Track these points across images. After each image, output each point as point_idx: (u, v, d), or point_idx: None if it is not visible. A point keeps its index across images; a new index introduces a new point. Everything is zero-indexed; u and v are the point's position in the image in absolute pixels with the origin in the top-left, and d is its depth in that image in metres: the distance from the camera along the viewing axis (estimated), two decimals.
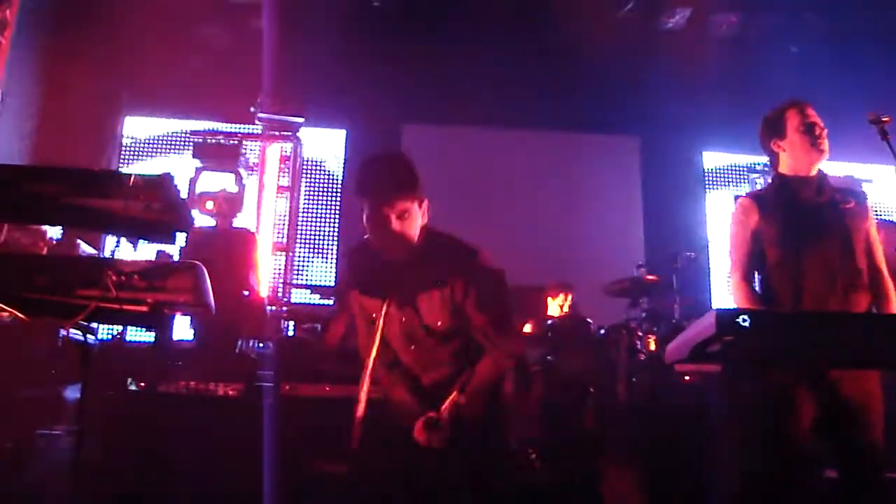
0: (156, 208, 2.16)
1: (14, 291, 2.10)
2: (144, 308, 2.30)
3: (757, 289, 3.32)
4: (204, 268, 2.35)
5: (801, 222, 3.24)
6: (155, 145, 8.85)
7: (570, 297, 6.98)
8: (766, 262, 3.29)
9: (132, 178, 2.10)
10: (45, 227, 4.45)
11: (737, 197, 3.58)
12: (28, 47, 6.81)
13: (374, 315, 3.01)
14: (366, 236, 3.00)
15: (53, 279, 2.13)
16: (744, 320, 2.18)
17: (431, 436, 2.87)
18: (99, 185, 2.15)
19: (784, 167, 3.40)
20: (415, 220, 2.86)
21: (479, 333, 2.97)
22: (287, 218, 8.40)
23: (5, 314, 3.62)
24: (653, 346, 6.22)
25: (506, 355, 3.01)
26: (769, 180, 3.56)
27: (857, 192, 3.39)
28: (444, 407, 2.89)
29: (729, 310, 2.26)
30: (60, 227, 4.62)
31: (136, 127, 8.84)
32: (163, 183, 2.16)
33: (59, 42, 7.35)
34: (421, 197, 2.89)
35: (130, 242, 4.92)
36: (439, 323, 2.95)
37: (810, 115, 3.34)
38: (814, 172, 3.33)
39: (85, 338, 2.47)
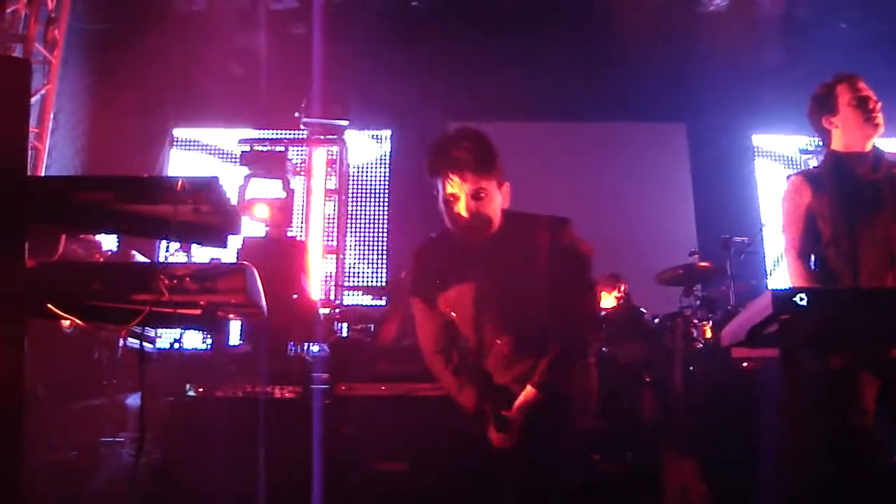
0: (205, 211, 2.18)
1: (72, 299, 2.14)
2: (198, 311, 2.34)
3: (813, 268, 3.23)
4: (254, 269, 2.38)
5: (856, 199, 3.14)
6: (203, 154, 9.00)
7: (623, 289, 6.90)
8: (821, 240, 3.20)
9: (180, 183, 2.13)
10: (100, 239, 4.56)
11: (789, 176, 3.46)
12: (76, 64, 6.99)
13: (459, 307, 2.86)
14: (433, 234, 2.94)
15: (108, 285, 2.17)
16: (801, 299, 2.14)
17: (502, 436, 2.75)
18: (148, 192, 2.18)
19: (837, 144, 3.30)
20: (493, 200, 2.72)
21: (555, 312, 2.78)
22: (336, 221, 8.47)
23: (66, 323, 3.72)
24: (709, 334, 6.13)
25: (574, 341, 2.84)
26: (822, 159, 3.46)
27: None
28: (516, 405, 2.78)
29: (785, 289, 2.22)
30: (115, 238, 4.73)
31: (185, 137, 9.00)
32: (210, 186, 2.19)
33: (106, 57, 7.53)
34: (500, 177, 2.76)
35: (182, 249, 5.02)
36: (535, 298, 2.77)
37: (862, 90, 3.24)
38: (868, 148, 3.23)
39: (142, 346, 2.51)
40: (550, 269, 2.76)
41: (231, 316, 2.50)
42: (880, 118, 3.20)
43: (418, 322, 3.01)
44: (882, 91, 3.30)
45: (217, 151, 9.04)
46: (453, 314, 2.90)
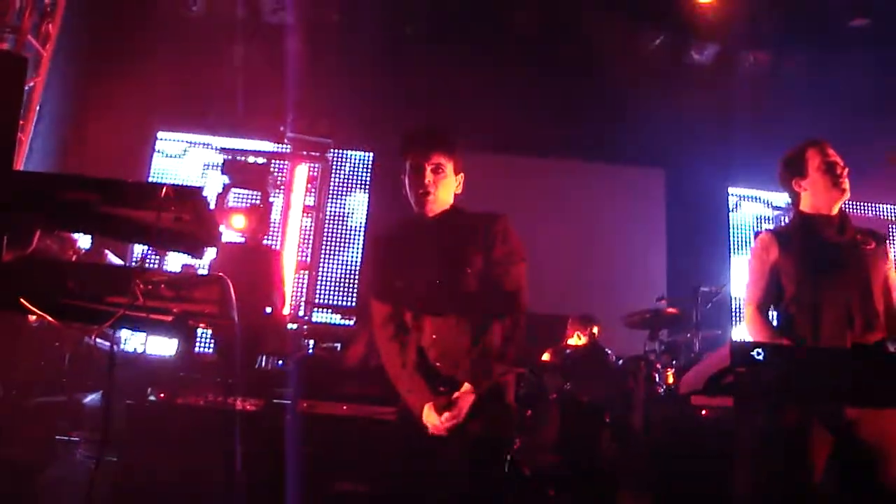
0: (186, 220, 2.21)
1: (46, 296, 2.15)
2: (170, 318, 2.36)
3: (774, 323, 3.32)
4: (229, 282, 2.40)
5: (820, 260, 3.24)
6: (186, 160, 9.00)
7: (595, 331, 6.93)
8: (783, 297, 3.29)
9: (164, 189, 2.16)
10: (76, 236, 4.55)
11: (758, 232, 3.57)
12: (66, 59, 6.98)
13: (404, 288, 3.07)
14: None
15: (84, 285, 2.19)
16: (758, 353, 2.20)
17: (441, 420, 2.86)
18: (132, 196, 2.20)
19: (806, 205, 3.41)
20: (448, 179, 3.09)
21: (491, 294, 3.00)
22: (311, 237, 8.49)
23: (34, 318, 3.71)
24: (671, 379, 6.20)
25: (512, 323, 3.00)
26: (791, 218, 3.56)
27: (878, 234, 3.38)
28: (455, 395, 2.89)
29: (744, 342, 2.28)
30: (90, 237, 4.72)
31: (169, 141, 9.00)
32: (194, 196, 2.22)
33: (95, 56, 7.53)
34: (457, 160, 3.12)
35: (158, 254, 5.00)
36: (469, 282, 3.00)
37: (831, 155, 3.36)
38: (835, 211, 3.34)
39: (112, 349, 2.53)
40: (485, 250, 3.03)
41: (202, 325, 2.52)
42: (846, 183, 3.32)
43: (375, 323, 3.15)
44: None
45: (199, 157, 9.03)
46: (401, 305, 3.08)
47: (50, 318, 2.13)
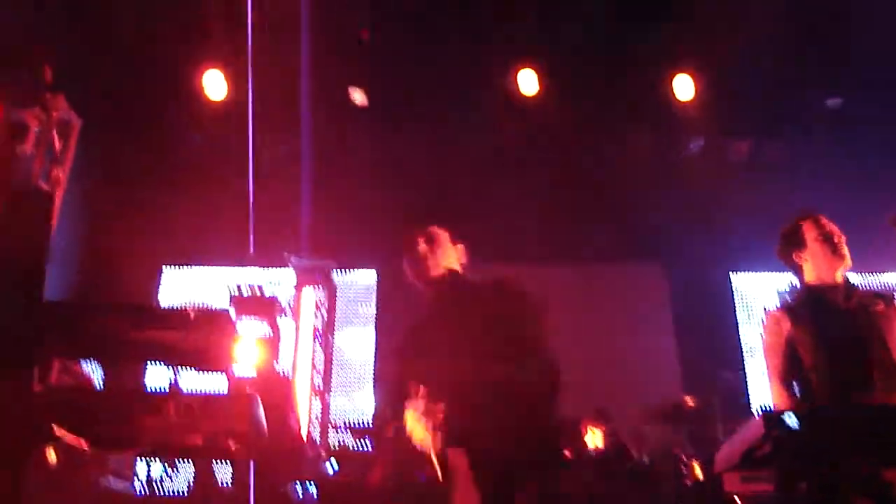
0: (213, 340, 2.26)
1: (78, 423, 2.18)
2: (199, 440, 2.38)
3: (797, 394, 3.33)
4: (258, 398, 2.43)
5: (833, 328, 3.28)
6: (192, 293, 9.09)
7: (606, 428, 6.85)
8: (802, 368, 3.31)
9: (192, 312, 2.22)
10: (90, 373, 4.56)
11: (768, 310, 3.62)
12: (72, 200, 7.13)
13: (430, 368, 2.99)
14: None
15: (115, 409, 2.22)
16: (790, 418, 2.21)
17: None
18: (160, 319, 2.26)
19: (809, 277, 3.48)
20: (444, 247, 3.16)
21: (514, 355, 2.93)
22: (322, 360, 8.48)
23: (52, 458, 3.68)
24: (698, 472, 6.09)
25: (538, 375, 2.96)
26: (797, 292, 3.62)
27: (884, 294, 3.44)
28: None
29: (775, 410, 2.30)
30: (101, 373, 4.72)
31: (174, 276, 9.12)
32: (220, 316, 2.28)
33: (100, 196, 7.71)
34: (452, 235, 3.21)
35: (178, 373, 4.98)
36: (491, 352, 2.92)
37: (826, 225, 3.47)
38: (840, 279, 3.40)
39: (130, 486, 2.53)
40: (501, 308, 3.03)
41: (232, 444, 2.53)
42: (845, 250, 3.41)
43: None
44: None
45: (204, 289, 9.12)
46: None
47: (84, 446, 2.15)
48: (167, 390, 2.30)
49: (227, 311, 2.23)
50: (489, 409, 2.87)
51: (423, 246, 3.15)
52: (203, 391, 2.35)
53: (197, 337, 2.22)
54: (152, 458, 5.50)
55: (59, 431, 2.18)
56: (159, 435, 2.22)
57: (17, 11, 6.28)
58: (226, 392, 5.05)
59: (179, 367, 2.42)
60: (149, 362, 4.55)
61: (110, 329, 2.21)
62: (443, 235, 3.20)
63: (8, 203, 2.19)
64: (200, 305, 2.26)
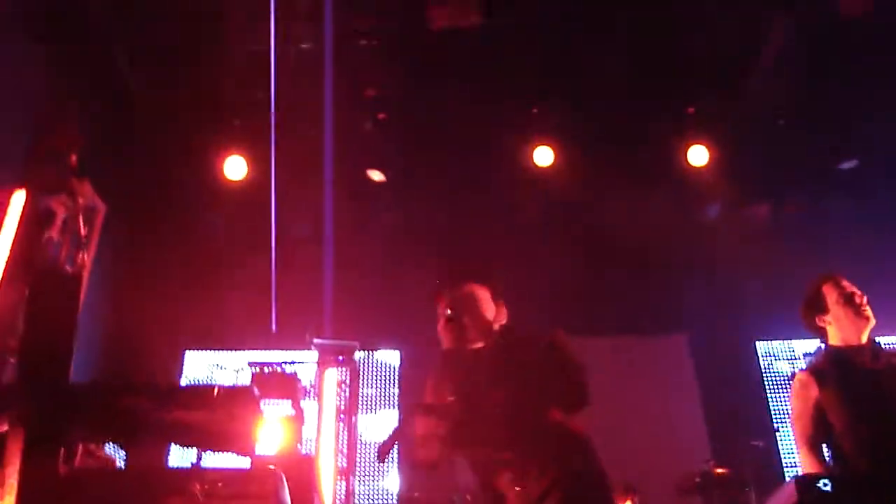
0: (238, 418, 2.27)
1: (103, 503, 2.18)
2: None
3: (827, 459, 3.26)
4: (283, 475, 2.42)
5: (862, 389, 3.25)
6: (215, 375, 9.10)
7: (636, 500, 6.75)
8: (833, 431, 3.26)
9: (217, 390, 2.24)
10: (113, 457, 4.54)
11: (794, 373, 3.59)
12: (98, 281, 7.23)
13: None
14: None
15: (141, 491, 2.22)
16: (825, 484, 2.18)
17: None
18: (185, 398, 2.28)
19: (834, 339, 3.46)
20: (471, 309, 3.01)
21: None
22: (346, 442, 8.39)
23: None
24: None
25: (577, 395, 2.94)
26: (823, 355, 3.58)
27: None
28: None
29: (809, 475, 2.26)
30: (123, 456, 4.70)
31: (197, 359, 9.15)
32: (245, 394, 2.30)
33: (123, 281, 7.81)
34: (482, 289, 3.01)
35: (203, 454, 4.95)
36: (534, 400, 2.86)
37: (846, 287, 3.46)
38: (865, 340, 3.38)
39: None
40: (541, 365, 2.92)
41: None
42: (868, 311, 3.39)
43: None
44: (875, 287, 3.49)
45: (226, 373, 9.13)
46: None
47: None
48: (190, 468, 2.28)
49: (251, 388, 2.24)
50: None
51: (449, 314, 3.04)
52: (227, 468, 2.34)
53: (221, 416, 2.22)
54: None
55: None
56: None
57: (43, 99, 6.50)
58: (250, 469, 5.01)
59: (204, 448, 2.41)
60: (173, 443, 4.56)
61: (134, 409, 2.23)
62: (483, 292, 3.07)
63: (36, 286, 2.24)
64: (223, 385, 2.27)
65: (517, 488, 2.78)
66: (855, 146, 8.03)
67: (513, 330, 3.07)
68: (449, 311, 3.02)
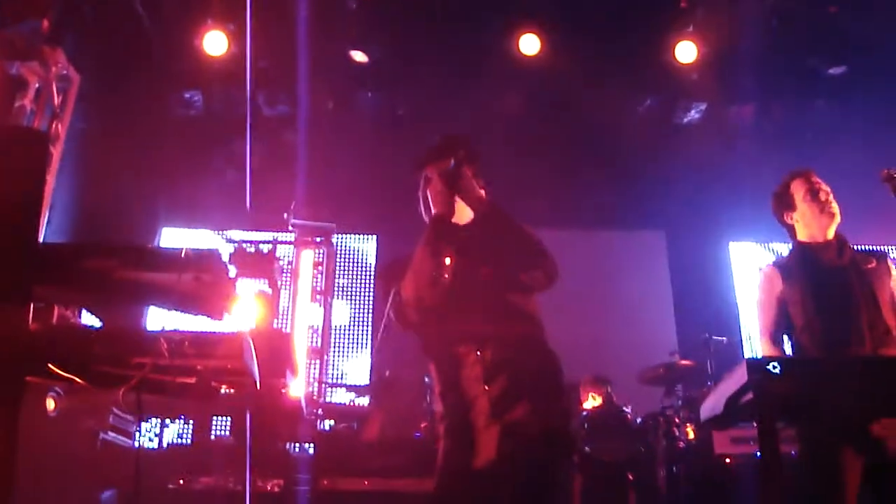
0: (206, 281, 2.28)
1: (73, 361, 2.21)
2: (192, 379, 2.41)
3: (790, 353, 3.35)
4: (251, 340, 2.46)
5: (824, 285, 3.29)
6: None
7: (608, 391, 6.90)
8: (793, 326, 3.33)
9: (184, 252, 2.24)
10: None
11: (761, 267, 3.63)
12: (71, 157, 7.13)
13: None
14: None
15: (109, 348, 2.25)
16: (774, 367, 2.23)
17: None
18: (152, 259, 2.28)
19: (802, 235, 3.49)
20: (464, 179, 2.94)
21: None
22: (321, 322, 8.52)
23: (51, 406, 3.73)
24: (691, 434, 6.16)
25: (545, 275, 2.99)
26: (790, 250, 3.62)
27: (878, 253, 3.45)
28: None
29: (759, 357, 2.32)
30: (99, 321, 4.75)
31: (173, 238, 9.14)
32: (212, 256, 2.30)
33: (100, 154, 7.70)
34: (467, 159, 3.00)
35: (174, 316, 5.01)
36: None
37: (815, 182, 3.45)
38: (831, 236, 3.40)
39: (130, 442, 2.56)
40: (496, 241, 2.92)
41: (224, 386, 2.56)
42: (834, 206, 3.40)
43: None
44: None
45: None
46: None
47: (79, 381, 2.18)
48: (160, 330, 2.31)
49: (218, 252, 2.24)
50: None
51: (437, 183, 2.99)
52: (195, 329, 2.37)
53: (188, 278, 2.23)
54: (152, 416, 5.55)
55: (54, 369, 2.22)
56: (152, 374, 2.24)
57: None
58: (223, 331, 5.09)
59: (172, 309, 2.43)
60: (141, 304, 4.61)
61: (101, 269, 2.23)
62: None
63: (2, 144, 2.20)
64: (191, 248, 2.26)
65: (474, 357, 2.85)
66: (843, 53, 7.90)
67: (499, 208, 3.01)
68: (453, 161, 2.93)
